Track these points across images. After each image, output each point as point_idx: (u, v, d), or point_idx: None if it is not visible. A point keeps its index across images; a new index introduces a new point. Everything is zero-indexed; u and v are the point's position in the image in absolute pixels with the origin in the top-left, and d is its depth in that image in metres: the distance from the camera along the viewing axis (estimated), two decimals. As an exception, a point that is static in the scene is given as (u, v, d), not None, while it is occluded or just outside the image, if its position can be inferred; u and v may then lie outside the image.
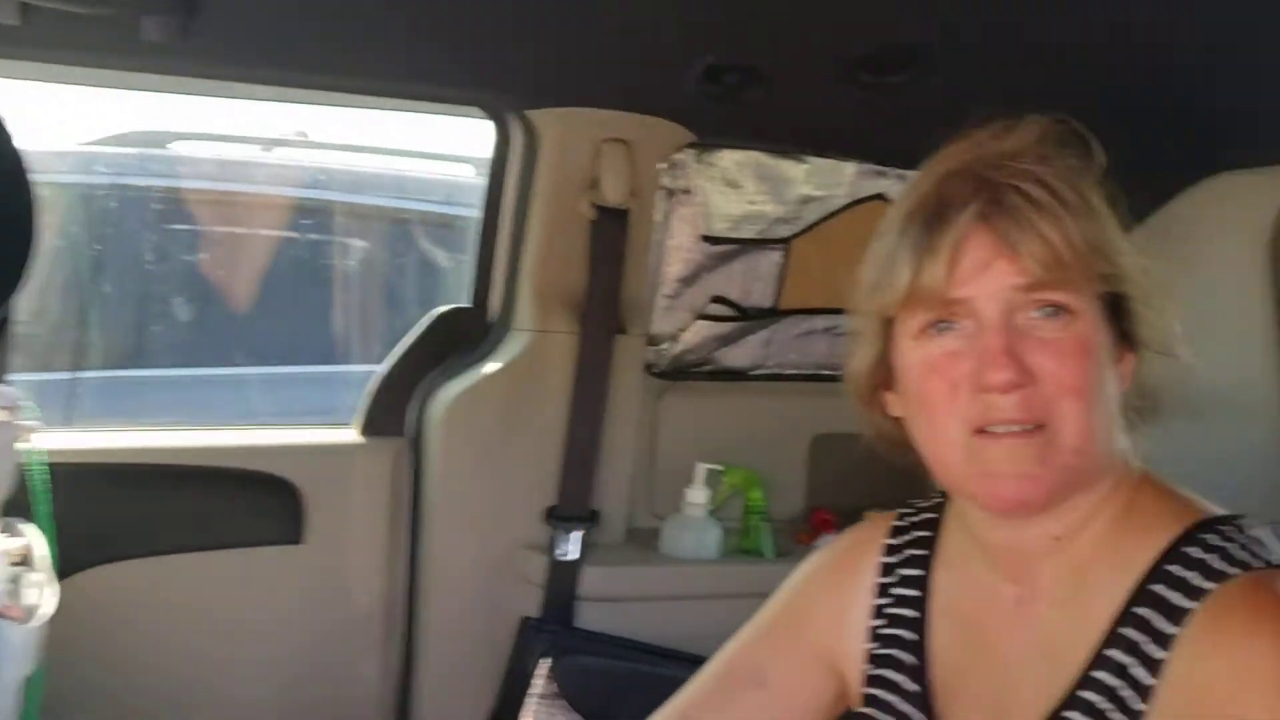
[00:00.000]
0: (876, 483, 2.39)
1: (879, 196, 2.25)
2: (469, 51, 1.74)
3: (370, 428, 2.06)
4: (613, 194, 1.96)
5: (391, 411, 2.06)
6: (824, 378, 2.41)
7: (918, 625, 1.11)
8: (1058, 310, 0.94)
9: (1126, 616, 0.93)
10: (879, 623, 1.14)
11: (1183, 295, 2.17)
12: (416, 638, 2.02)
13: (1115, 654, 0.93)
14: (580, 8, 1.61)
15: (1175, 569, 0.93)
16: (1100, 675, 0.94)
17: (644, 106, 1.90)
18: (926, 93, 1.80)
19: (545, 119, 1.92)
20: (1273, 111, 1.91)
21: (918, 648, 1.10)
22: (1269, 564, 0.93)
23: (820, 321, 2.35)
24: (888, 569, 1.16)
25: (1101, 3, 1.64)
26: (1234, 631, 0.89)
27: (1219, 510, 0.99)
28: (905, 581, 1.14)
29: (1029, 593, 1.02)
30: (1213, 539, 0.94)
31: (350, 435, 2.06)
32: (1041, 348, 0.93)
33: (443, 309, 2.12)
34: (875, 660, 1.13)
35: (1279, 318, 2.27)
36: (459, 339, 2.09)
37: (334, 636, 2.00)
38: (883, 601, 1.15)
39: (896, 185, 2.24)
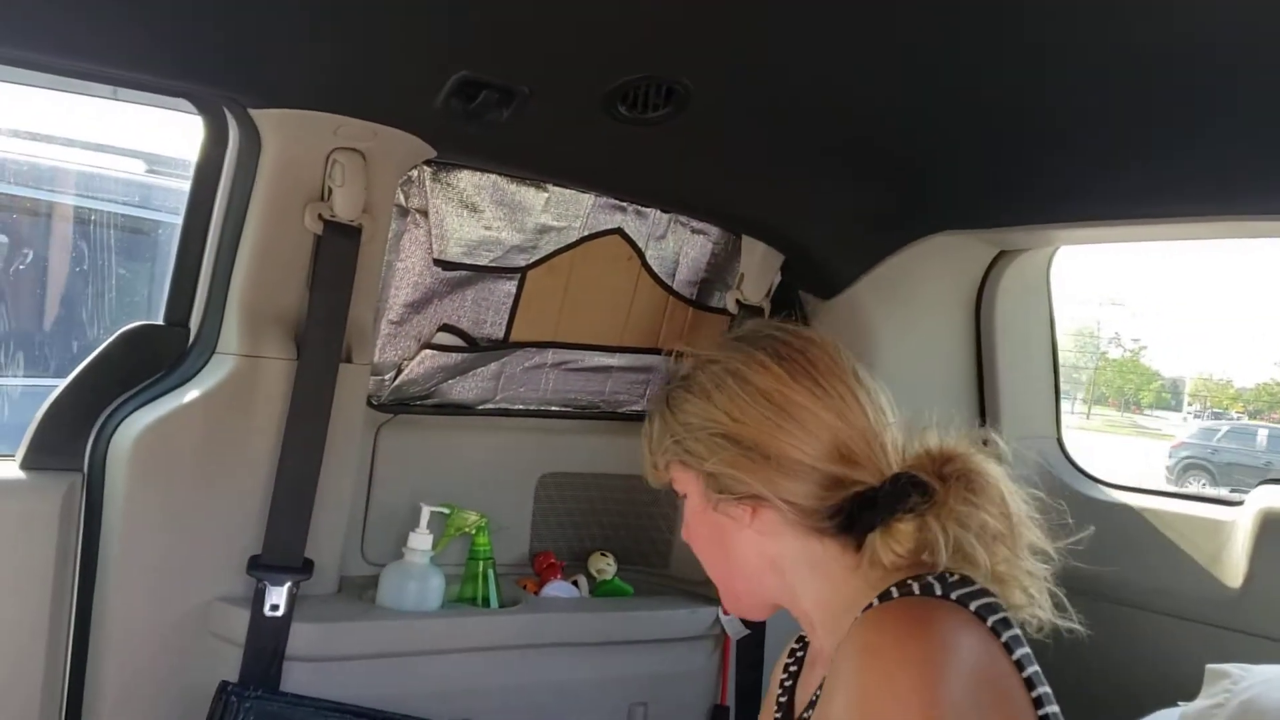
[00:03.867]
0: (602, 524, 2.36)
1: (617, 231, 2.19)
2: (184, 30, 1.49)
3: (36, 460, 1.74)
4: (345, 208, 1.77)
5: (65, 442, 1.76)
6: (552, 414, 2.32)
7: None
8: None
9: None
10: None
11: (898, 342, 2.31)
12: (85, 713, 1.72)
13: None
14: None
15: (875, 602, 1.20)
16: None
17: (386, 116, 1.73)
18: (679, 131, 1.77)
19: (271, 120, 1.70)
20: (984, 179, 2.02)
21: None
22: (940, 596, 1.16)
23: (550, 356, 2.26)
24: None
25: (844, 77, 1.68)
26: (844, 645, 1.16)
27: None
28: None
29: None
30: (913, 581, 1.18)
31: (8, 469, 1.74)
32: None
33: (132, 326, 1.83)
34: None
35: (979, 367, 2.43)
36: (151, 361, 1.82)
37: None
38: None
39: (633, 220, 2.20)
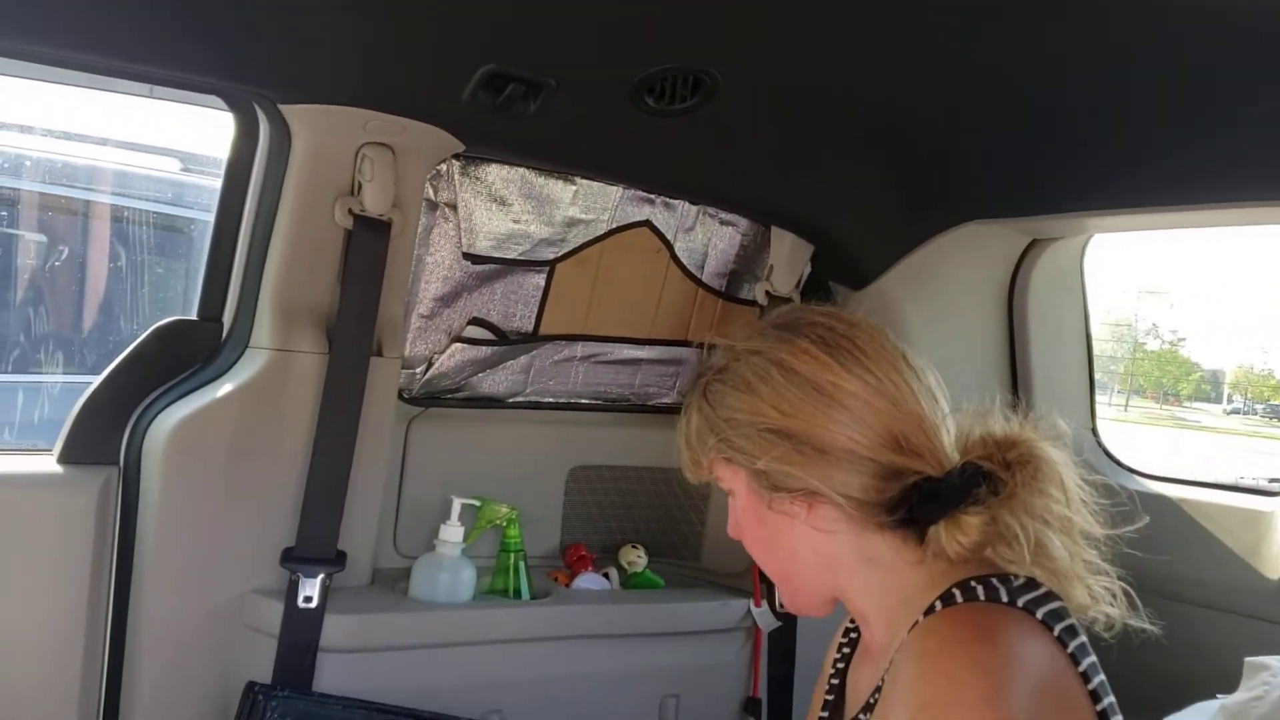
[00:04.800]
0: (632, 517, 2.36)
1: (646, 223, 2.19)
2: (213, 29, 1.51)
3: (73, 455, 1.77)
4: (375, 203, 1.78)
5: (101, 437, 1.78)
6: (582, 407, 2.33)
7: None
8: None
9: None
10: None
11: (930, 332, 2.29)
12: (123, 705, 1.75)
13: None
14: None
15: (938, 604, 1.16)
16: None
17: (414, 111, 1.74)
18: (706, 122, 1.77)
19: (300, 116, 1.71)
20: (1014, 168, 2.00)
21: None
22: (1006, 603, 1.13)
23: (580, 349, 2.26)
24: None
25: (873, 65, 1.67)
26: (906, 649, 1.13)
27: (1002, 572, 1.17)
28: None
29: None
30: (977, 584, 1.15)
31: (46, 463, 1.77)
32: None
33: (166, 321, 1.85)
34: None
35: (1012, 358, 2.41)
36: (185, 356, 1.84)
37: (16, 706, 1.70)
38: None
39: (662, 212, 2.19)
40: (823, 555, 1.25)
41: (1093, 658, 1.13)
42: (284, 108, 1.70)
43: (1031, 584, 1.15)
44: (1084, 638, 1.14)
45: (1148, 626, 1.19)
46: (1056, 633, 1.12)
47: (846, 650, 1.42)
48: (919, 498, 1.18)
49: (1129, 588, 1.21)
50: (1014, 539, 1.14)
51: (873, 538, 1.23)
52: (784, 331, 1.27)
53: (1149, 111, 1.69)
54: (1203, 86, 1.58)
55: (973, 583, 1.15)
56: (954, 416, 1.24)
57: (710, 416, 1.28)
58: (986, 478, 1.15)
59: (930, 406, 1.23)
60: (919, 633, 1.14)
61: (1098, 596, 1.17)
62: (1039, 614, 1.12)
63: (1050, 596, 1.15)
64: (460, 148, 1.84)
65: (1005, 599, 1.13)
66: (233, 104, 1.79)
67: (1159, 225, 2.17)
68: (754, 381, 1.24)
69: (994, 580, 1.15)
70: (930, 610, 1.16)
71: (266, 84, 1.67)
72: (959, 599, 1.15)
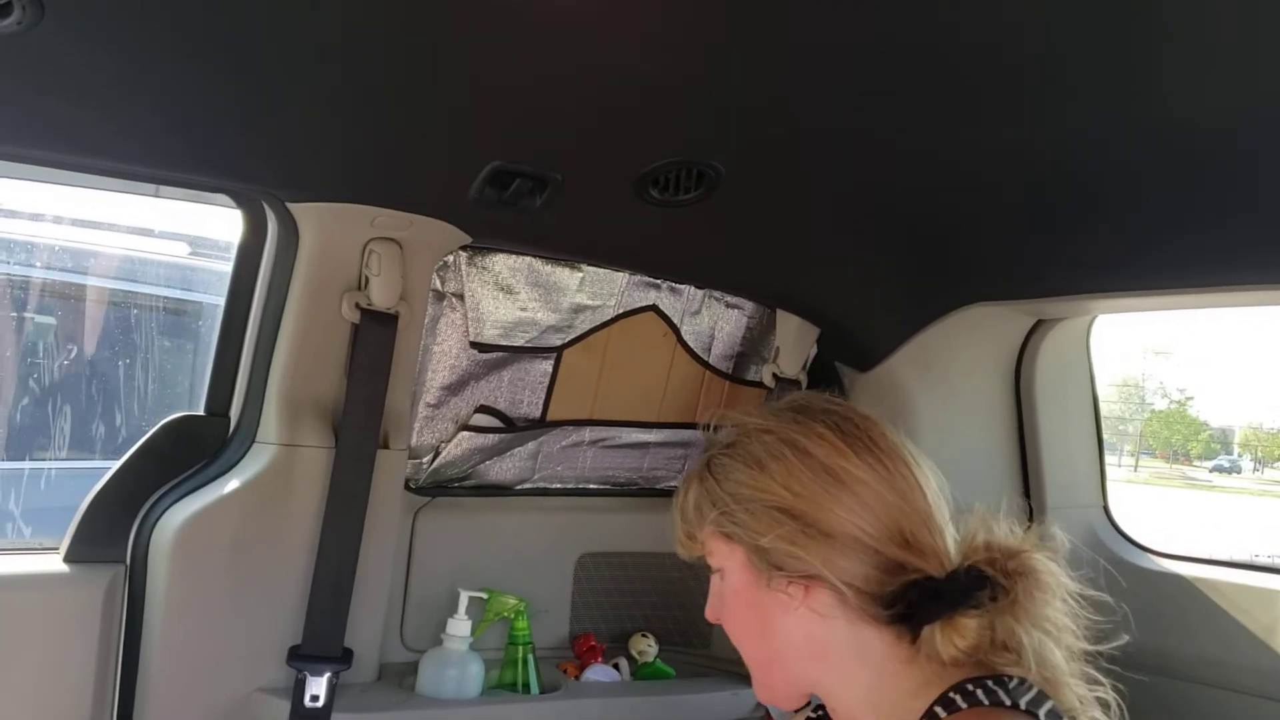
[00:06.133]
0: (641, 604, 2.33)
1: (652, 308, 2.20)
2: (220, 132, 1.53)
3: (79, 554, 1.76)
4: (382, 297, 1.79)
5: (108, 534, 1.77)
6: (591, 492, 2.32)
7: None
8: None
9: None
10: None
11: (937, 413, 2.28)
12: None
13: None
14: (355, 96, 1.46)
15: (938, 709, 1.15)
16: None
17: (421, 207, 1.75)
18: (711, 212, 1.78)
19: (308, 213, 1.73)
20: (1018, 252, 2.01)
21: None
22: (1009, 706, 1.12)
23: (588, 433, 2.26)
24: None
25: (874, 153, 1.68)
26: None
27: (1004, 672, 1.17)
28: None
29: None
30: (975, 687, 1.14)
31: (53, 562, 1.76)
32: None
33: (174, 417, 1.85)
34: None
35: (1020, 437, 2.39)
36: (192, 452, 1.84)
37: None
38: None
39: (668, 297, 2.20)
40: (815, 641, 1.23)
41: None
42: (292, 206, 1.72)
43: (1026, 684, 1.15)
44: None
45: None
46: None
47: None
48: (919, 595, 1.17)
49: (1128, 667, 1.23)
50: (1018, 646, 1.14)
51: (866, 630, 1.21)
52: (799, 414, 1.27)
53: (1151, 196, 1.70)
54: (1205, 172, 1.59)
55: (970, 685, 1.15)
56: (957, 520, 1.24)
57: (712, 489, 1.27)
58: (988, 582, 1.15)
59: (937, 505, 1.23)
60: None
61: (1085, 700, 1.19)
62: (1040, 713, 1.12)
63: (1044, 696, 1.15)
64: (467, 240, 1.86)
65: (1007, 702, 1.13)
66: (240, 202, 1.81)
67: (1163, 307, 2.18)
68: (765, 459, 1.23)
69: (990, 683, 1.15)
70: (930, 715, 1.15)
71: (275, 184, 1.69)
72: (961, 704, 1.14)
